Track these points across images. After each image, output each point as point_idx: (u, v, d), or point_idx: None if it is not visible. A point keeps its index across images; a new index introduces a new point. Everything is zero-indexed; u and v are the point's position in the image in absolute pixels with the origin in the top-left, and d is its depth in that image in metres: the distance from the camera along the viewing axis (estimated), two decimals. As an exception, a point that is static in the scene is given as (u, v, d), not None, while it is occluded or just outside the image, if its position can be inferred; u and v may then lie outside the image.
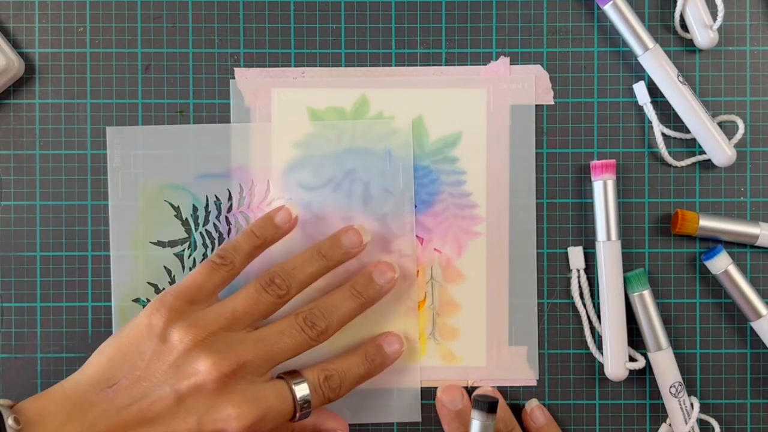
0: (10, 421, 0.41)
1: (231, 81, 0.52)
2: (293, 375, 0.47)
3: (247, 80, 0.52)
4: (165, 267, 0.52)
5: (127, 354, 0.45)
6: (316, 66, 0.52)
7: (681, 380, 0.51)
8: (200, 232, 0.52)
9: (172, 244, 0.52)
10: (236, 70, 0.52)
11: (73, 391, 0.44)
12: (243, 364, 0.45)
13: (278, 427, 0.47)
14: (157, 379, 0.44)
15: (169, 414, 0.43)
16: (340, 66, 0.52)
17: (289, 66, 0.52)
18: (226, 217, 0.52)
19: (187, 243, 0.52)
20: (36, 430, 0.42)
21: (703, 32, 0.51)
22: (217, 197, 0.52)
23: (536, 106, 0.52)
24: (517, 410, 0.52)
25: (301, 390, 0.46)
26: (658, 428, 0.52)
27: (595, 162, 0.51)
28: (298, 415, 0.46)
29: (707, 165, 0.52)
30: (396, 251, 0.52)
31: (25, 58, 0.52)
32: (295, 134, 0.52)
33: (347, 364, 0.49)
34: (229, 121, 0.52)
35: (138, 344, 0.45)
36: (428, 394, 0.53)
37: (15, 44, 0.52)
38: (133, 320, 0.46)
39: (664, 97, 0.51)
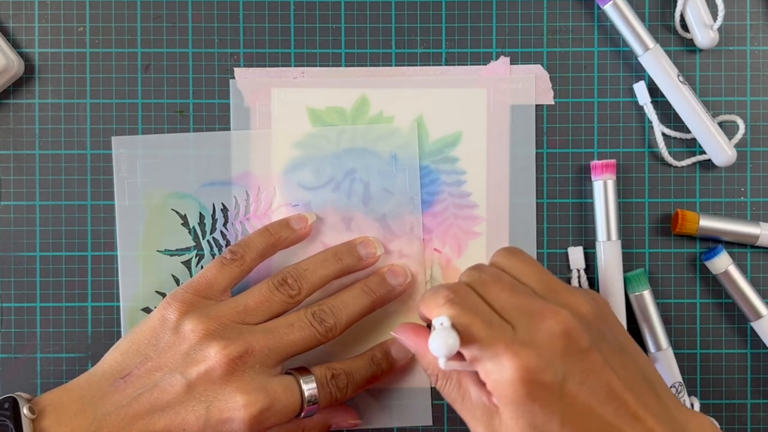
0: (25, 410, 0.43)
1: (231, 81, 0.52)
2: (301, 371, 0.47)
3: (247, 80, 0.52)
4: (173, 275, 0.52)
5: (141, 346, 0.46)
6: (316, 66, 0.52)
7: (681, 380, 0.51)
8: (208, 240, 0.52)
9: (179, 252, 0.52)
10: (236, 70, 0.52)
11: (87, 384, 0.45)
12: (251, 351, 0.45)
13: (286, 424, 0.47)
14: (168, 368, 0.45)
15: (179, 402, 0.44)
16: (340, 66, 0.52)
17: (289, 66, 0.52)
18: (234, 225, 0.52)
19: (195, 251, 0.52)
20: (49, 419, 0.43)
21: (704, 32, 0.51)
22: (223, 205, 0.52)
23: (536, 106, 0.52)
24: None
25: (309, 386, 0.46)
26: (658, 428, 0.52)
27: (595, 162, 0.51)
28: (304, 410, 0.46)
29: (707, 165, 0.52)
30: (396, 251, 0.52)
31: (25, 58, 0.52)
32: (295, 135, 0.52)
33: (354, 365, 0.49)
34: (229, 121, 0.52)
35: (152, 337, 0.46)
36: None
37: (15, 44, 0.52)
38: (147, 316, 0.47)
39: (664, 97, 0.51)
